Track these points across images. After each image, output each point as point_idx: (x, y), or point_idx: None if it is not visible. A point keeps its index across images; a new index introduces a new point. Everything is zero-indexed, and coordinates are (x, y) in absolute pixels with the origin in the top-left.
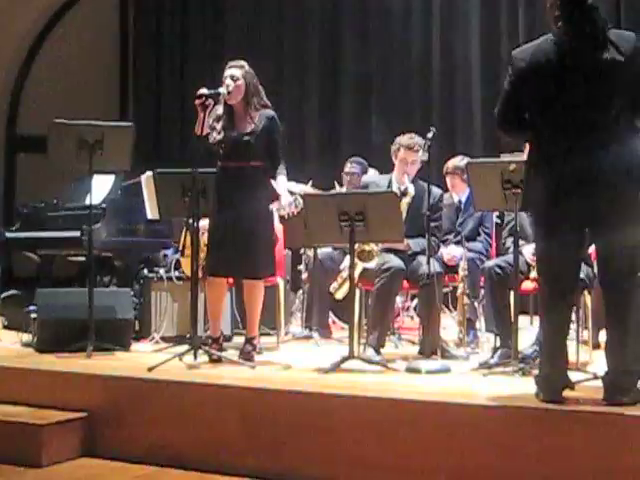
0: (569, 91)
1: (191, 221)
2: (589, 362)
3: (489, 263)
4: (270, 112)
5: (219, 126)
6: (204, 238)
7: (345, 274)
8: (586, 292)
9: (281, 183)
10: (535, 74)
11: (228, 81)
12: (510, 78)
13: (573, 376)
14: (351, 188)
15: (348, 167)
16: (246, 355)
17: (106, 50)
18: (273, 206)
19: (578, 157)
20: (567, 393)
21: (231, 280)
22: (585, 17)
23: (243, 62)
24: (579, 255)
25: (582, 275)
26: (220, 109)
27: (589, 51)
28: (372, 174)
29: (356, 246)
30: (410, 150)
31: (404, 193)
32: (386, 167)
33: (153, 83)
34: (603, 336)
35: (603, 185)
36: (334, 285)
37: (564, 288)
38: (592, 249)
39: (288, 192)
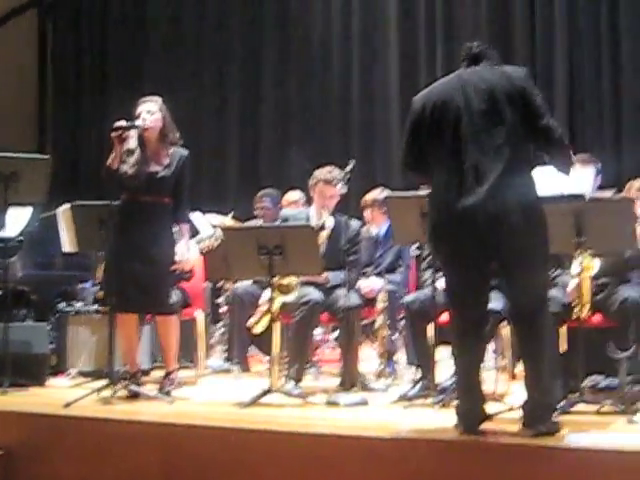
0: (458, 124)
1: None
2: (507, 393)
3: (408, 298)
4: (184, 151)
5: (132, 160)
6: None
7: (264, 307)
8: (503, 323)
9: (199, 217)
10: (429, 116)
11: (145, 114)
12: (408, 123)
13: (491, 407)
14: (267, 220)
15: (259, 203)
16: (164, 390)
17: (24, 82)
18: (193, 240)
19: (466, 192)
20: (485, 425)
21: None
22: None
23: (157, 97)
24: (484, 288)
25: (498, 307)
26: (133, 143)
27: (481, 83)
28: (298, 195)
29: (275, 279)
30: (328, 184)
31: (322, 227)
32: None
33: (71, 115)
34: (521, 366)
35: (491, 223)
36: (253, 319)
37: (471, 321)
38: None
39: (210, 224)
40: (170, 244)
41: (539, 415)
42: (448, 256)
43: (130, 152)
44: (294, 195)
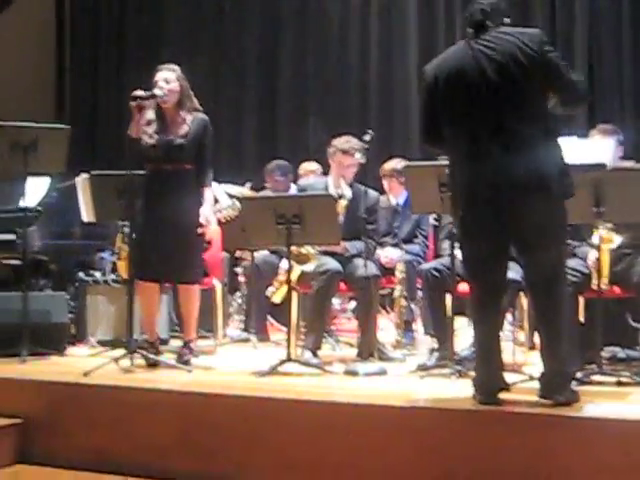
0: (474, 96)
1: (127, 223)
2: (525, 363)
3: (425, 266)
4: (203, 116)
5: (151, 129)
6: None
7: (282, 277)
8: (522, 293)
9: (216, 188)
10: (443, 83)
11: (162, 83)
12: (423, 93)
13: (509, 377)
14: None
15: (269, 177)
16: (183, 359)
17: (42, 50)
18: (212, 209)
19: (484, 162)
20: (503, 395)
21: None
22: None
23: (174, 66)
24: (502, 257)
25: (517, 276)
26: (151, 113)
27: (493, 53)
28: (314, 166)
29: (293, 249)
30: (346, 154)
31: (340, 196)
32: (325, 168)
33: (89, 84)
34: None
35: (512, 191)
36: (271, 289)
37: (490, 290)
38: None
39: (226, 195)
40: (195, 212)
41: (557, 385)
42: (468, 225)
43: (149, 122)
44: (311, 165)
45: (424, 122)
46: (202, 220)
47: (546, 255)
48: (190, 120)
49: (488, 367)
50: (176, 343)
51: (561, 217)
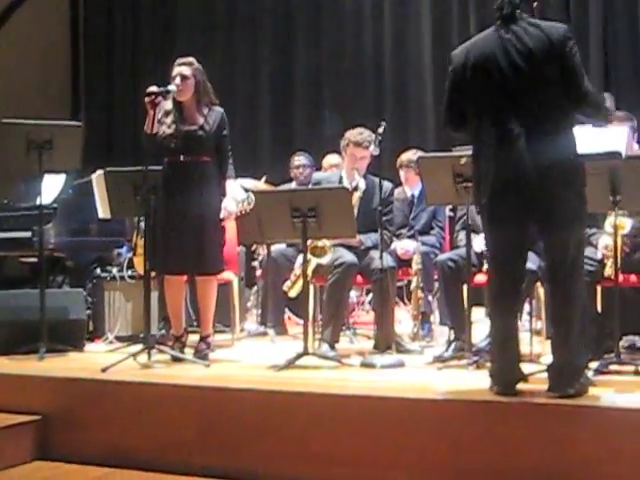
0: (501, 84)
1: (143, 219)
2: (542, 353)
3: (442, 257)
4: (220, 109)
5: (169, 120)
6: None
7: (298, 271)
8: (539, 283)
9: (232, 183)
10: (471, 69)
11: (177, 79)
12: (450, 77)
13: (526, 368)
14: (302, 180)
15: (296, 161)
16: (200, 353)
17: (57, 48)
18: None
19: (510, 149)
20: (521, 385)
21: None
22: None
23: (192, 59)
24: (524, 245)
25: (534, 266)
26: (169, 104)
27: (520, 45)
28: (337, 159)
29: (309, 242)
30: (359, 146)
31: (355, 188)
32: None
33: (104, 81)
34: None
35: (537, 178)
36: (287, 283)
37: (511, 279)
38: None
39: (242, 188)
40: (216, 203)
41: (566, 377)
42: (493, 212)
43: (167, 113)
44: (334, 158)
45: (448, 107)
46: (224, 213)
47: (567, 242)
48: (207, 113)
49: (505, 357)
50: (194, 338)
51: (583, 204)
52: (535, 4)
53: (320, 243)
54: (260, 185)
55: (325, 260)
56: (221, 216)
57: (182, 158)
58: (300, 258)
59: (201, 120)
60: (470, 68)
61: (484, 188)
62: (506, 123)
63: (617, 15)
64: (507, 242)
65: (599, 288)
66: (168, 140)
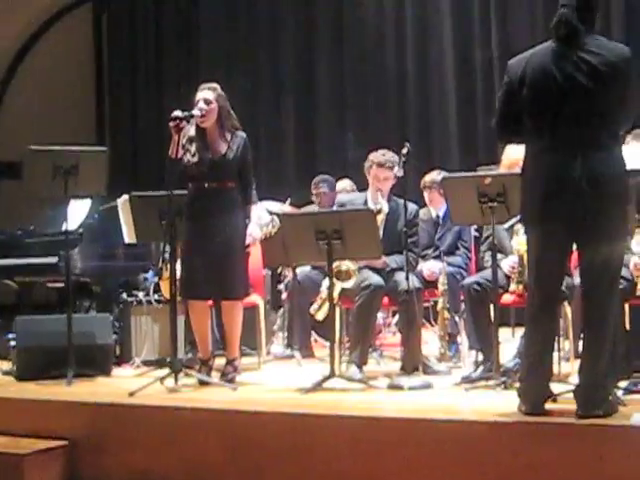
0: (559, 98)
1: (168, 244)
2: (570, 373)
3: (468, 280)
4: (242, 134)
5: (193, 148)
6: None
7: (324, 294)
8: (566, 303)
9: (257, 207)
10: (530, 81)
11: (201, 104)
12: (504, 87)
13: (555, 387)
14: (324, 206)
15: (316, 189)
16: (227, 377)
17: (81, 72)
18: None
19: (562, 159)
20: (549, 405)
21: (211, 302)
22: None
23: (215, 85)
24: (565, 261)
25: (563, 286)
26: (192, 130)
27: (580, 62)
28: (347, 184)
29: (335, 265)
30: (382, 167)
31: (379, 211)
32: (361, 183)
33: (129, 107)
34: None
35: (588, 193)
36: (314, 306)
37: (551, 296)
38: (573, 259)
39: (267, 212)
40: (240, 229)
41: (595, 399)
42: (539, 228)
43: (190, 140)
44: (343, 183)
45: (502, 115)
46: (249, 240)
47: (609, 260)
48: (230, 138)
49: (537, 376)
50: (220, 361)
51: (626, 222)
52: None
53: (344, 267)
54: (285, 208)
55: (350, 284)
56: (246, 242)
57: (207, 185)
58: (326, 281)
59: (224, 147)
60: (527, 81)
61: (529, 196)
62: (558, 137)
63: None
64: (551, 257)
65: (627, 306)
66: (192, 168)
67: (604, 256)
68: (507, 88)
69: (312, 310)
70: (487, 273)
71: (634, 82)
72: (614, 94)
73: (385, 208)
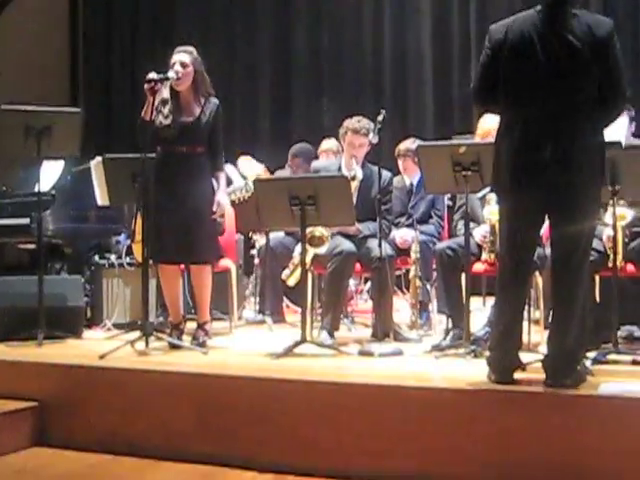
0: (538, 68)
1: (141, 206)
2: (540, 342)
3: (440, 245)
4: (216, 100)
5: (166, 110)
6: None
7: (297, 260)
8: (537, 273)
9: (229, 169)
10: (509, 47)
11: (177, 67)
12: (486, 51)
13: (524, 357)
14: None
15: (292, 160)
16: (198, 340)
17: (55, 34)
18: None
19: (535, 131)
20: (518, 374)
21: (183, 265)
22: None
23: (192, 48)
24: (537, 231)
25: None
26: (166, 93)
27: (562, 33)
28: (333, 144)
29: (307, 232)
30: (357, 134)
31: (353, 177)
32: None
33: (103, 67)
34: None
35: (558, 164)
36: (286, 272)
37: (523, 265)
38: (544, 230)
39: (240, 175)
40: (208, 194)
41: (563, 368)
42: (510, 198)
43: (164, 102)
44: (329, 143)
45: (481, 80)
46: (215, 207)
47: (582, 231)
48: (203, 103)
49: (506, 345)
50: (192, 325)
51: (599, 195)
52: None
53: (317, 233)
54: (261, 169)
55: (323, 250)
56: (214, 209)
57: (176, 148)
58: (298, 247)
59: (197, 111)
60: (508, 45)
61: (504, 168)
62: (534, 104)
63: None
64: (522, 228)
65: (597, 278)
66: (165, 130)
67: (574, 232)
68: (488, 53)
69: (284, 276)
70: (460, 239)
71: (619, 55)
72: (595, 67)
73: (359, 175)
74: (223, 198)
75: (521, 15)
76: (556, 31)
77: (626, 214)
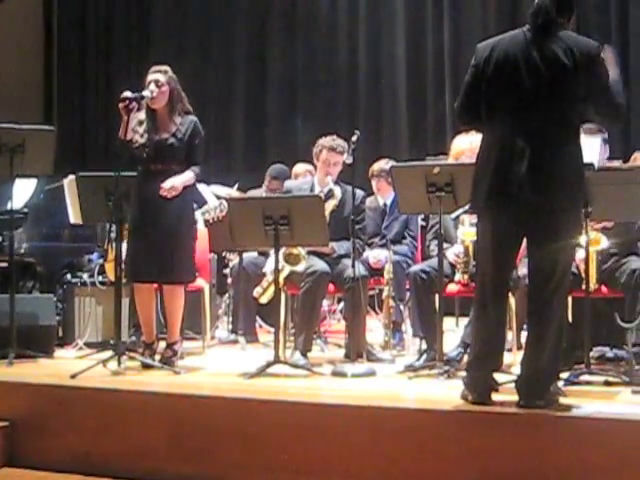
0: (520, 89)
1: (114, 226)
2: (513, 363)
3: (414, 268)
4: (193, 118)
5: (142, 129)
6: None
7: (270, 278)
8: (510, 294)
9: (204, 189)
10: (494, 67)
11: (152, 86)
12: (471, 69)
13: (498, 377)
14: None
15: (269, 182)
16: (167, 360)
17: (29, 51)
18: (198, 210)
19: (513, 155)
20: (492, 395)
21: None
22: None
23: (167, 67)
24: (515, 252)
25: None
26: (142, 113)
27: (547, 54)
28: (309, 168)
29: (284, 249)
30: (333, 151)
31: (329, 196)
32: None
33: (77, 87)
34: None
35: (535, 187)
36: (258, 289)
37: (499, 285)
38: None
39: (214, 196)
40: (185, 213)
41: (536, 390)
42: (490, 219)
43: (140, 122)
44: (302, 167)
45: (464, 98)
46: (165, 185)
47: (558, 257)
48: (180, 121)
49: (485, 366)
50: (164, 345)
51: (579, 221)
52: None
53: (295, 251)
54: (233, 192)
55: (300, 268)
56: (164, 186)
57: (153, 167)
58: (269, 262)
59: (174, 128)
60: (492, 65)
61: (481, 188)
62: (515, 126)
63: (589, 25)
64: (503, 247)
65: (570, 298)
66: (140, 149)
67: (552, 258)
68: (473, 71)
69: (255, 293)
70: (433, 262)
71: (606, 72)
72: (582, 89)
73: (338, 193)
74: (175, 181)
75: (508, 35)
76: (542, 52)
77: (600, 239)
